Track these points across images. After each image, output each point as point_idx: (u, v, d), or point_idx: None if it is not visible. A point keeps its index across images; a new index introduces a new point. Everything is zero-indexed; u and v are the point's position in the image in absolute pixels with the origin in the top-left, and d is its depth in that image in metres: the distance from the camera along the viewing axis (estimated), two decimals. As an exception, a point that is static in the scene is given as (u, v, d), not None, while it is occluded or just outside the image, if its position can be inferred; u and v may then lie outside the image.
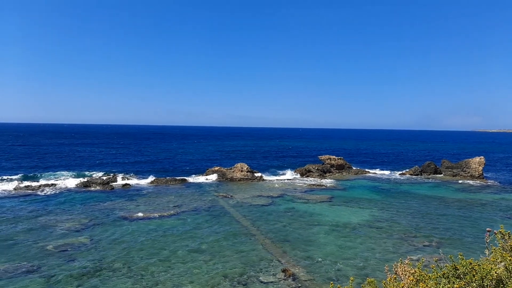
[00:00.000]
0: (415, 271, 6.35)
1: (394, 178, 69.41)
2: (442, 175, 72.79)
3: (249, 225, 34.94)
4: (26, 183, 53.54)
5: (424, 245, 29.82)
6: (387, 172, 76.99)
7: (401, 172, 76.04)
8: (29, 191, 49.01)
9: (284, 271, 23.87)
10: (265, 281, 22.68)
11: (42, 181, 55.33)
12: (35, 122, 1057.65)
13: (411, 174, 73.41)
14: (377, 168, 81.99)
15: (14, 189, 50.10)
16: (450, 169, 73.27)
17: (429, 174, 73.15)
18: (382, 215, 39.68)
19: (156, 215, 37.89)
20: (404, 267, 6.58)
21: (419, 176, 72.35)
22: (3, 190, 49.03)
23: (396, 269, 6.71)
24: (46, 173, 63.06)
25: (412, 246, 29.66)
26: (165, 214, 38.43)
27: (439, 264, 6.70)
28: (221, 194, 50.07)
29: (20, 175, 59.55)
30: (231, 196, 48.48)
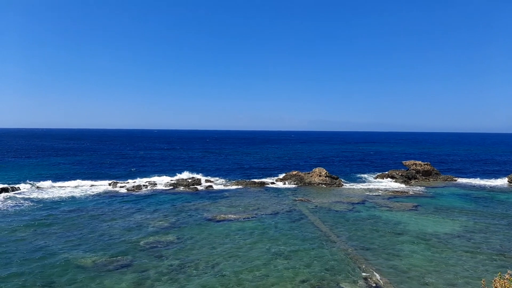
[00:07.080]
0: (517, 287, 5.88)
1: (489, 186, 63.47)
2: (548, 184, 64.85)
3: (328, 230, 34.47)
4: (123, 184, 58.75)
5: (526, 261, 26.90)
6: (481, 180, 70.58)
7: (498, 179, 69.28)
8: (125, 191, 53.71)
9: (366, 279, 23.18)
10: (346, 288, 22.22)
11: (136, 182, 60.13)
12: (116, 128, 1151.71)
13: (509, 182, 66.57)
14: (469, 175, 75.71)
15: (113, 189, 55.25)
16: (558, 178, 65.03)
17: (532, 183, 65.61)
18: (475, 226, 36.56)
19: (238, 217, 39.10)
20: (504, 283, 6.12)
21: (519, 184, 65.30)
22: (105, 191, 54.35)
23: (495, 285, 6.26)
24: (140, 175, 68.52)
25: (511, 260, 26.92)
26: (246, 216, 39.49)
27: (546, 282, 6.13)
28: (299, 198, 50.05)
29: (119, 177, 65.40)
30: (310, 201, 48.20)
